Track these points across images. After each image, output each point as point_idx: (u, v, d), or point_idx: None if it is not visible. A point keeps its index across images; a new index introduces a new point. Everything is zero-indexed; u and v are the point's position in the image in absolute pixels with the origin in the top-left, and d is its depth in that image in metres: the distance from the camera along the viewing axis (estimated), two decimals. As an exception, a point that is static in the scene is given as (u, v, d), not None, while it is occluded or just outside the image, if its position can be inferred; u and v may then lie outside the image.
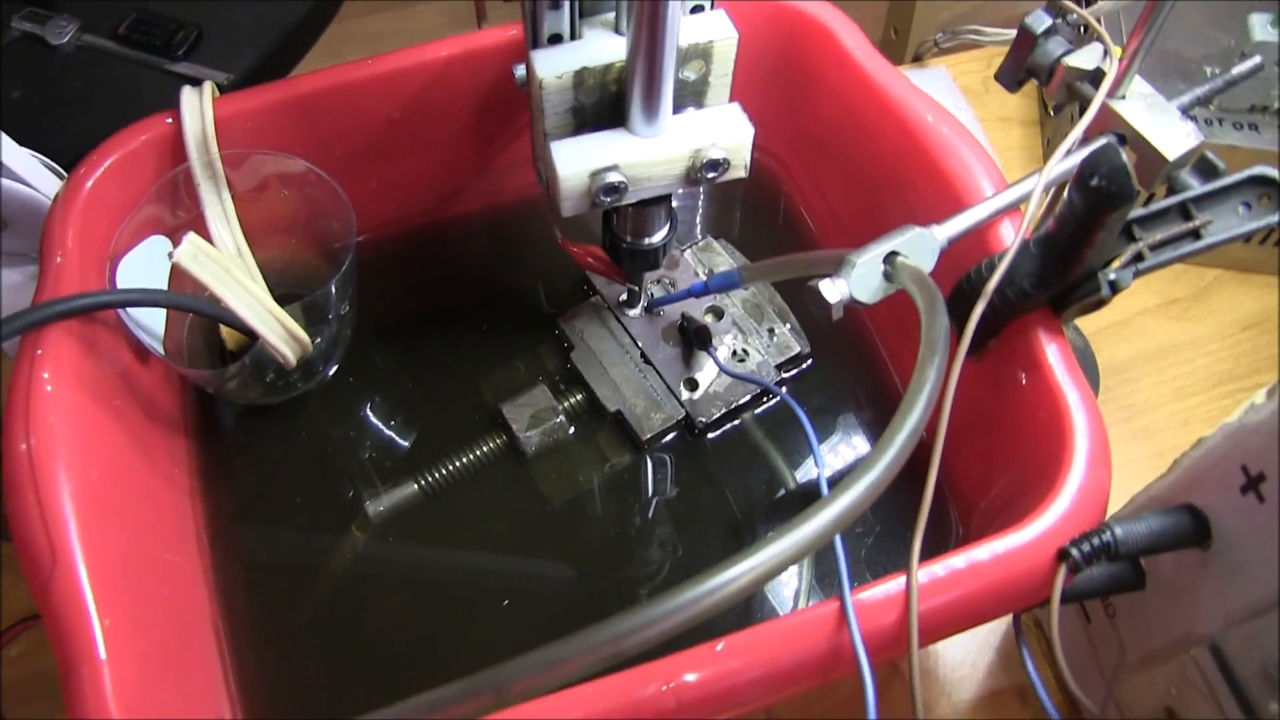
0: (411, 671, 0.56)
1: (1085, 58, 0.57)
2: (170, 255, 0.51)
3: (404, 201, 0.69)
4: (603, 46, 0.50)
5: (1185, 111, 0.56)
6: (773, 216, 0.74)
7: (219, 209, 0.61)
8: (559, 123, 0.52)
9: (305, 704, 0.56)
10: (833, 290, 0.49)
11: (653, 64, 0.47)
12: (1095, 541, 0.45)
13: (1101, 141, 0.51)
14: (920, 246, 0.50)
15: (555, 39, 0.51)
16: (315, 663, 0.57)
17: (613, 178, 0.50)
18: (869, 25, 0.85)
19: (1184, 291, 0.77)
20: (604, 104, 0.51)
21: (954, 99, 0.84)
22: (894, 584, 0.44)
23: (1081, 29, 0.62)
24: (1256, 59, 0.59)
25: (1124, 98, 0.55)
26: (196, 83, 0.63)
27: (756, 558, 0.33)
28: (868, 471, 0.36)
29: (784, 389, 0.64)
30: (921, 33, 0.90)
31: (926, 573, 0.45)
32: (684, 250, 0.69)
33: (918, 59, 0.88)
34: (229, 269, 0.53)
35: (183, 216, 0.60)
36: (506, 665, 0.31)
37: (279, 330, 0.54)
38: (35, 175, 0.62)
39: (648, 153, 0.51)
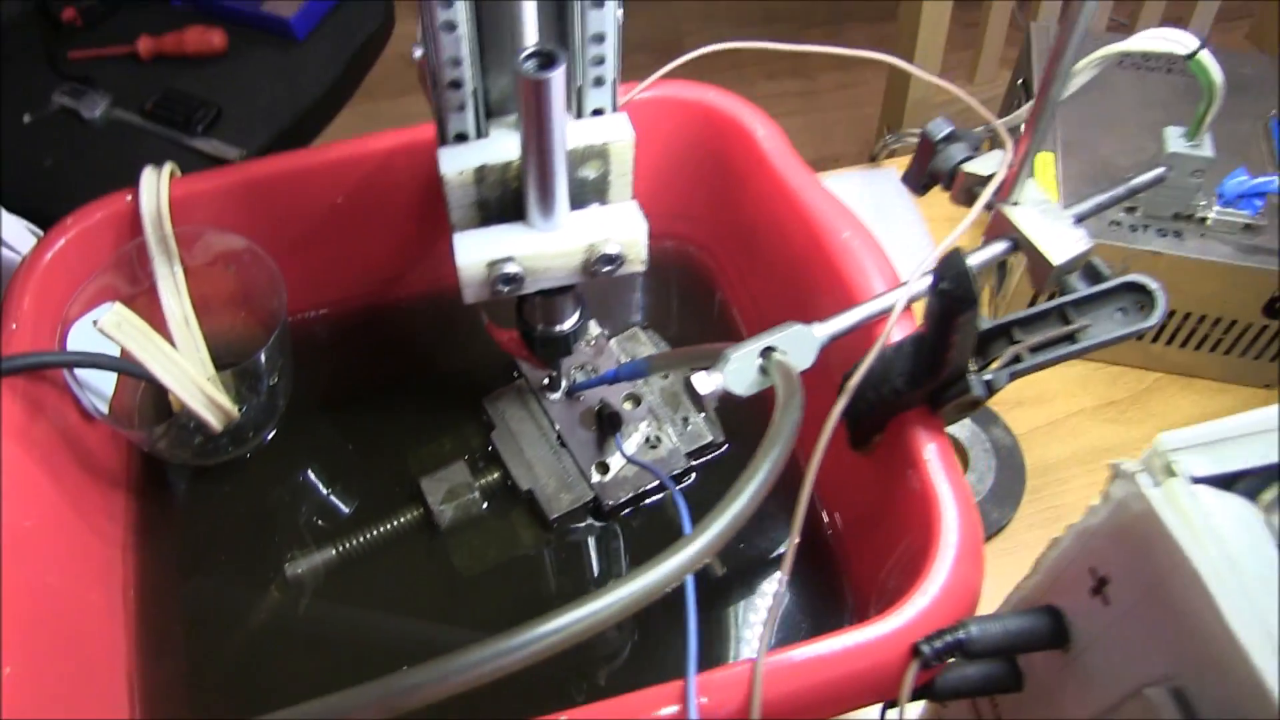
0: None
1: (984, 164, 0.59)
2: (95, 323, 0.55)
3: (348, 282, 0.73)
4: (504, 145, 0.53)
5: (1081, 218, 0.58)
6: (707, 309, 0.76)
7: (170, 281, 0.64)
8: (463, 215, 0.54)
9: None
10: (706, 383, 0.51)
11: (543, 163, 0.50)
12: (949, 639, 0.46)
13: (954, 245, 0.53)
14: (799, 343, 0.52)
15: (461, 137, 0.54)
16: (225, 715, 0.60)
17: (510, 269, 0.53)
18: (862, 127, 0.88)
19: (1122, 394, 0.77)
20: (506, 199, 0.54)
21: (902, 198, 0.86)
22: (739, 669, 0.45)
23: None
24: (1159, 170, 0.60)
25: (1016, 204, 0.57)
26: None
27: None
28: (660, 560, 0.37)
29: (693, 476, 0.66)
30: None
31: (775, 660, 0.46)
32: (611, 339, 0.71)
33: (872, 159, 0.91)
34: (151, 337, 0.56)
35: (137, 287, 0.64)
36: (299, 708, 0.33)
37: (199, 397, 0.57)
38: (24, 244, 0.67)
39: (544, 246, 0.53)
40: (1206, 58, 0.56)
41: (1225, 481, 0.40)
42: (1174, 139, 0.65)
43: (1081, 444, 0.75)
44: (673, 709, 0.44)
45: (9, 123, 1.15)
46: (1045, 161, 0.75)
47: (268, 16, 1.24)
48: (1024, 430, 0.75)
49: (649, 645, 0.61)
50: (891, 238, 0.85)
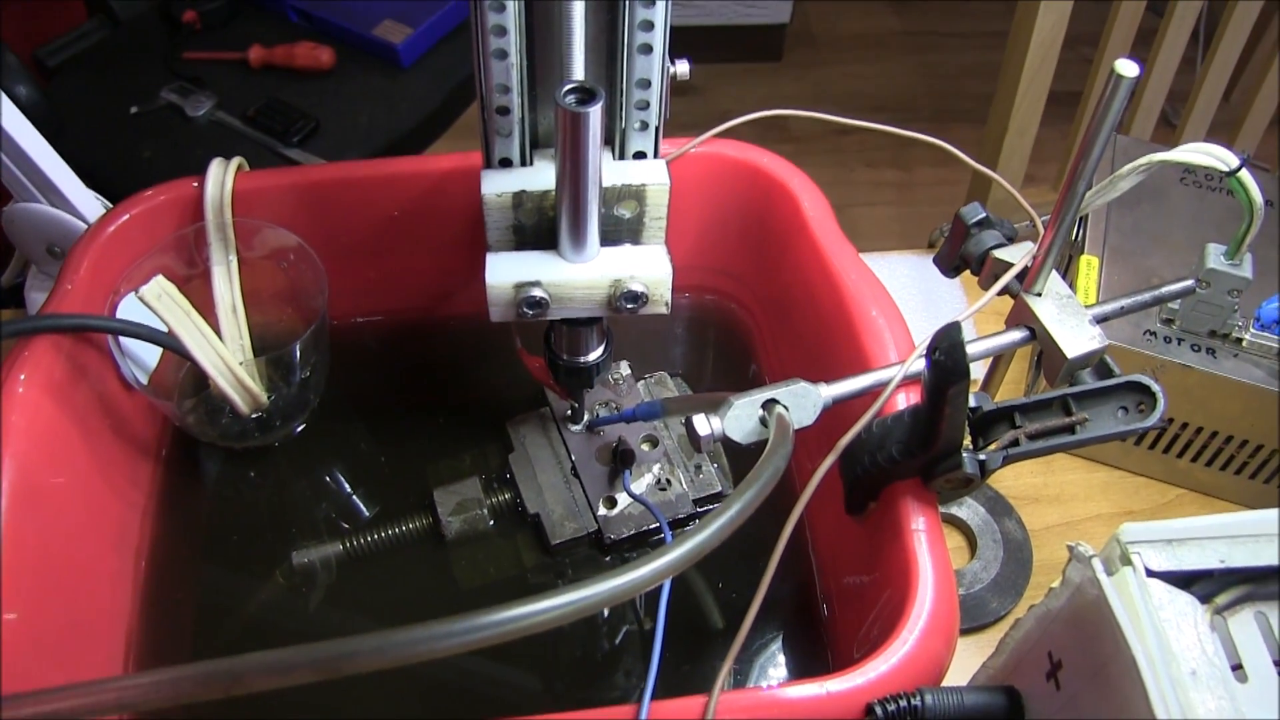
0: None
1: (1014, 253, 0.60)
2: (137, 292, 0.58)
3: (395, 294, 0.76)
4: (546, 175, 0.56)
5: (1101, 319, 0.59)
6: (742, 368, 0.78)
7: (225, 269, 0.68)
8: (500, 238, 0.57)
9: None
10: (705, 425, 0.52)
11: (576, 194, 0.52)
12: (903, 704, 0.47)
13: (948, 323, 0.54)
14: (802, 400, 0.53)
15: (505, 162, 0.57)
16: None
17: (536, 293, 0.55)
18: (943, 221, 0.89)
19: (1142, 505, 0.77)
20: (542, 227, 0.57)
21: (950, 286, 0.87)
22: (693, 701, 0.47)
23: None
24: (1188, 282, 0.61)
25: (1039, 294, 0.58)
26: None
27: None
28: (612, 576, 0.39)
29: (696, 523, 0.67)
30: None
31: (730, 698, 0.47)
32: (639, 381, 0.73)
33: (930, 245, 0.92)
34: (190, 314, 0.59)
35: (192, 270, 0.68)
36: (242, 658, 0.35)
37: (229, 376, 0.60)
38: (93, 216, 0.71)
39: (571, 275, 0.56)
40: (1246, 177, 0.57)
41: (1183, 580, 0.41)
42: (1214, 255, 0.66)
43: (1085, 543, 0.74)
44: (622, 731, 0.46)
45: (117, 111, 1.22)
46: (1089, 264, 0.76)
47: (377, 40, 1.30)
48: (1037, 527, 0.75)
49: (576, 660, 0.63)
50: (935, 320, 0.86)
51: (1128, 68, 0.46)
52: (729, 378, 0.79)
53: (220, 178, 0.67)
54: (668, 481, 0.67)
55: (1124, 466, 0.78)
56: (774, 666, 0.63)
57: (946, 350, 0.46)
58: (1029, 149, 1.31)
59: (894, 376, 0.55)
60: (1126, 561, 0.40)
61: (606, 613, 0.64)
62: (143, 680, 0.34)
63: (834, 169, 2.24)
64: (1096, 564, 0.41)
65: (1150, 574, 0.40)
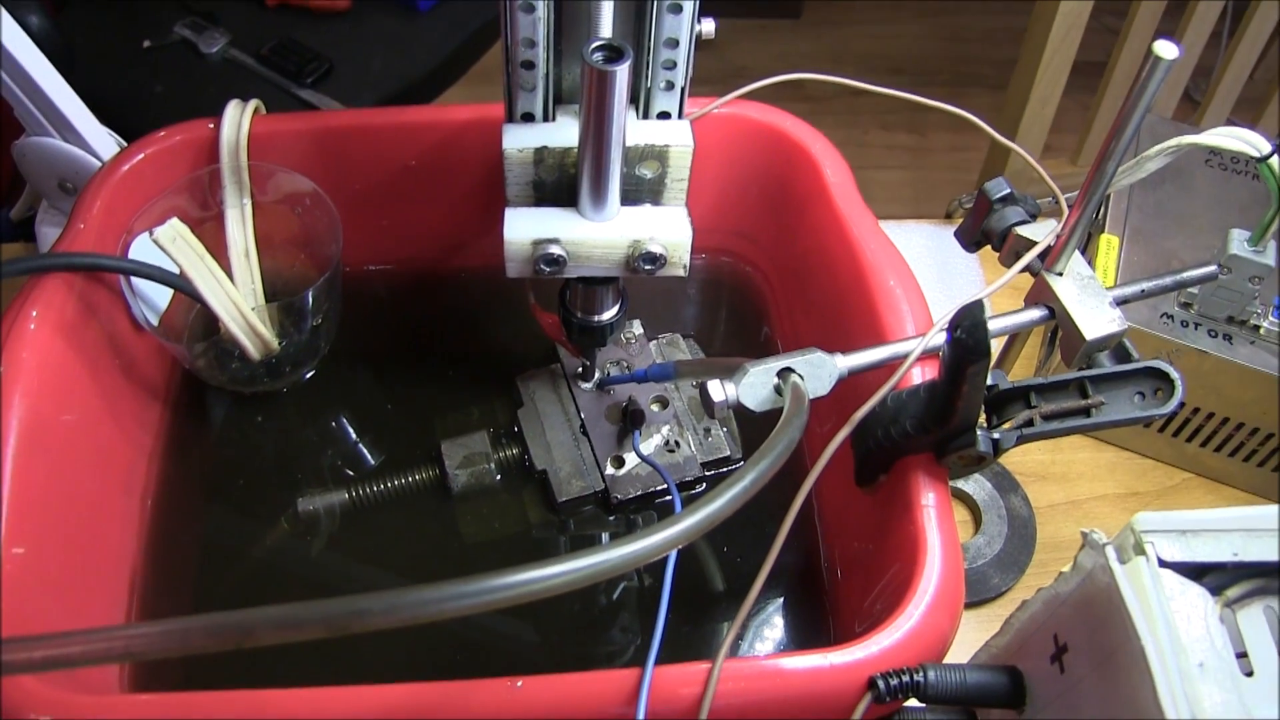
0: (294, 668, 0.60)
1: (1037, 230, 0.59)
2: (151, 234, 0.58)
3: (410, 243, 0.75)
4: (568, 132, 0.55)
5: (1122, 301, 0.58)
6: (754, 333, 0.77)
7: (238, 212, 0.67)
8: (519, 193, 0.57)
9: (190, 677, 0.60)
10: (719, 390, 0.52)
11: (598, 153, 0.52)
12: (905, 678, 0.47)
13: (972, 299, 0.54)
14: (818, 369, 0.53)
15: (528, 117, 0.56)
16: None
17: (553, 250, 0.55)
18: (965, 189, 0.88)
19: (1148, 487, 0.77)
20: (562, 184, 0.56)
21: (967, 259, 0.87)
22: (697, 667, 0.47)
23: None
24: (1210, 268, 0.60)
25: (1060, 274, 0.57)
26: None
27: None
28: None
29: (703, 486, 0.67)
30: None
31: (733, 666, 0.47)
32: (651, 341, 0.72)
33: (947, 216, 0.91)
34: (203, 258, 0.59)
35: (206, 212, 0.67)
36: (251, 612, 0.35)
37: (240, 321, 0.60)
38: (108, 154, 0.70)
39: (590, 234, 0.55)
40: (1277, 163, 0.56)
41: (1195, 571, 0.41)
42: (1237, 241, 0.65)
43: (1097, 528, 0.74)
44: (625, 694, 0.46)
45: (129, 46, 1.20)
46: (1109, 243, 0.75)
47: (394, -17, 1.28)
48: (1043, 504, 0.75)
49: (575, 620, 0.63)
50: (950, 294, 0.85)
51: (1167, 49, 0.45)
52: (741, 342, 0.78)
53: (237, 120, 0.66)
54: (676, 444, 0.67)
55: (1132, 448, 0.78)
56: (773, 633, 0.63)
57: (968, 329, 0.46)
58: (1050, 119, 1.29)
59: (912, 351, 0.54)
60: (1140, 551, 0.40)
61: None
62: (151, 630, 0.34)
63: (848, 130, 2.21)
64: (1110, 552, 0.41)
65: (1163, 564, 0.40)
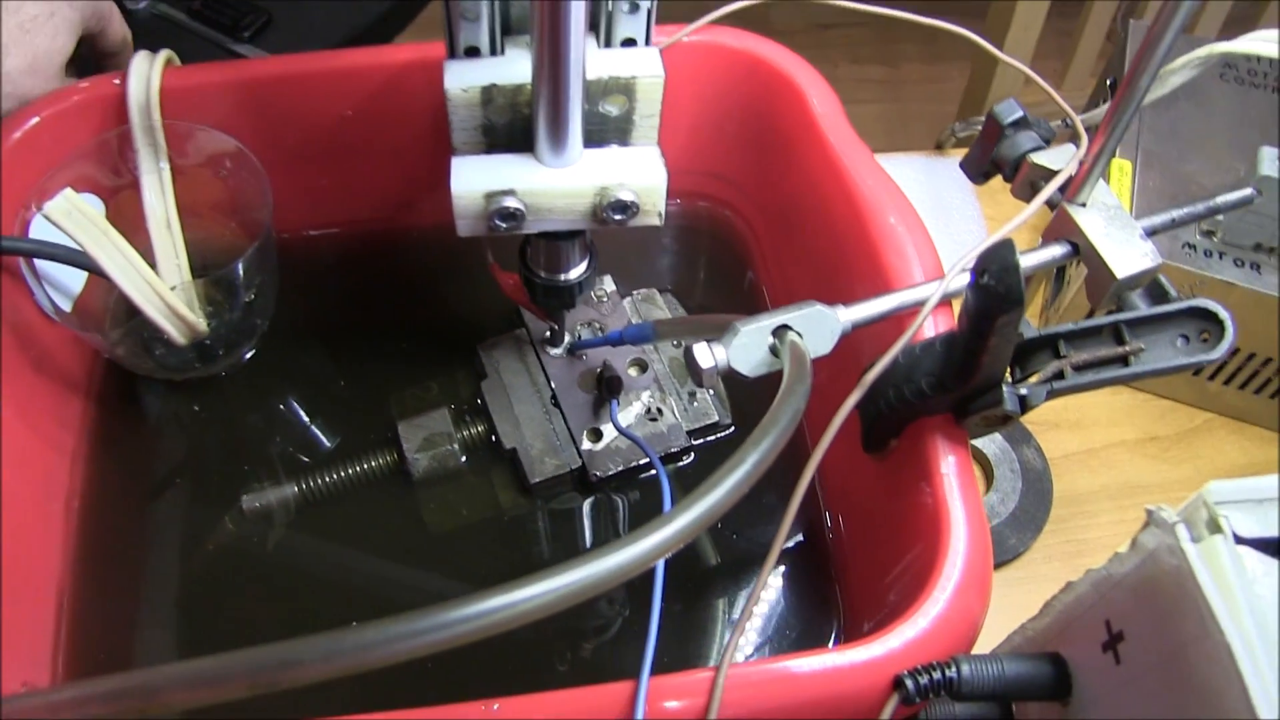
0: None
1: (1054, 157, 0.53)
2: (40, 208, 0.50)
3: (351, 203, 0.68)
4: (519, 66, 0.48)
5: (1153, 232, 0.52)
6: (737, 282, 0.71)
7: (155, 178, 0.60)
8: (466, 139, 0.49)
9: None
10: (707, 355, 0.45)
11: (556, 90, 0.45)
12: (936, 676, 0.41)
13: (998, 238, 0.47)
14: (818, 325, 0.47)
15: (472, 51, 0.49)
16: (151, 653, 0.55)
17: (510, 203, 0.48)
18: (940, 122, 0.82)
19: (1167, 430, 0.71)
20: (515, 127, 0.49)
21: (963, 192, 0.80)
22: (698, 677, 0.41)
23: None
24: (1247, 191, 0.54)
25: (1084, 205, 0.51)
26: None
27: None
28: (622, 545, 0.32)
29: (691, 456, 0.61)
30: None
31: (740, 672, 0.41)
32: (625, 299, 0.66)
33: (938, 147, 0.85)
34: (108, 233, 0.52)
35: (119, 180, 0.60)
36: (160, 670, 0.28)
37: (157, 303, 0.53)
38: None
39: (551, 182, 0.48)
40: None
41: (1275, 547, 0.35)
42: (1269, 161, 0.59)
43: (1116, 478, 0.69)
44: (618, 713, 0.40)
45: (47, 3, 1.11)
46: (1121, 170, 0.69)
47: (333, -75, 1.18)
48: (1056, 455, 0.69)
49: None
50: (947, 232, 0.79)
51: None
52: (724, 295, 0.71)
53: (145, 74, 0.59)
54: (659, 411, 0.61)
55: (1149, 389, 0.72)
56: (773, 622, 0.57)
57: (997, 273, 0.39)
58: (1034, 44, 1.23)
59: (928, 298, 0.48)
60: (1216, 528, 0.34)
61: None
62: (33, 702, 0.28)
63: (817, 64, 2.12)
64: (1181, 531, 0.35)
65: (1238, 540, 0.34)
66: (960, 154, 0.85)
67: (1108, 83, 0.80)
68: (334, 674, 0.28)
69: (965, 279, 0.47)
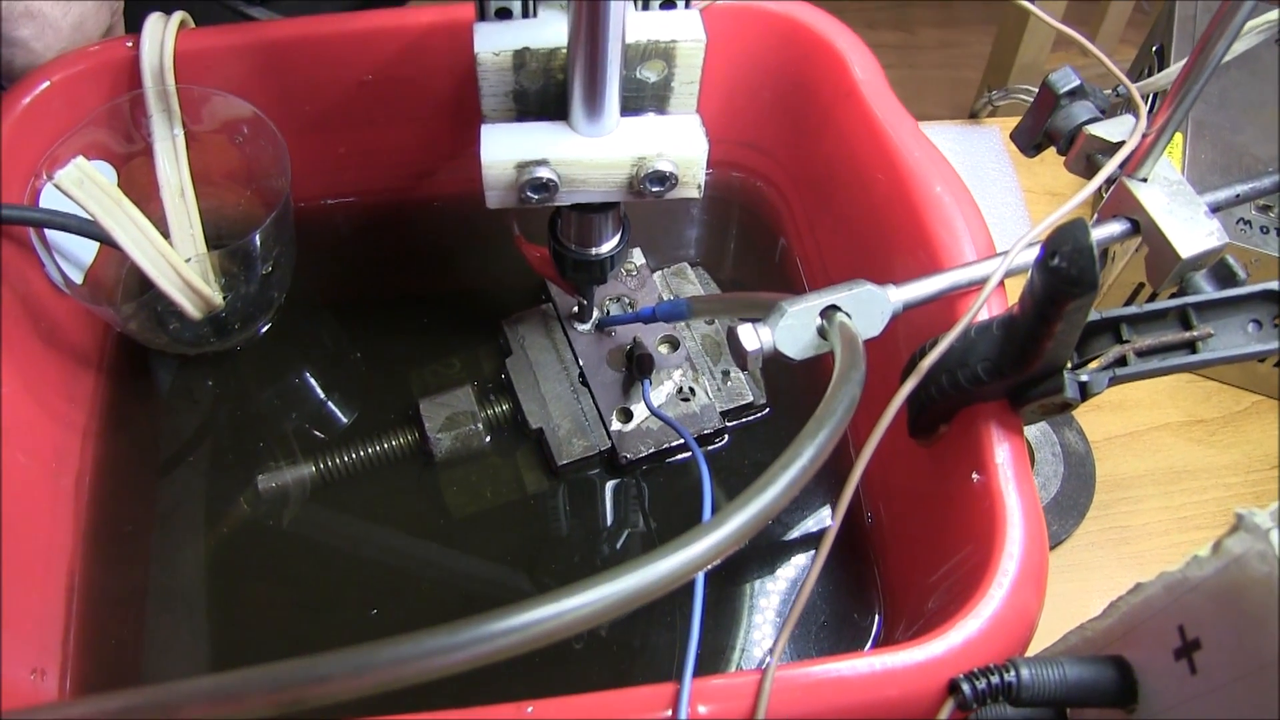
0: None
1: (1112, 129, 0.50)
2: (51, 177, 0.48)
3: (371, 171, 0.65)
4: (553, 29, 0.45)
5: (1217, 208, 0.49)
6: (768, 255, 0.68)
7: (169, 144, 0.57)
8: (497, 105, 0.47)
9: (141, 680, 0.52)
10: (752, 337, 0.43)
11: (593, 54, 0.42)
12: (994, 680, 0.39)
13: (1071, 218, 0.45)
14: (868, 306, 0.44)
15: (503, 13, 0.46)
16: (164, 638, 0.53)
17: (542, 173, 0.45)
18: (958, 90, 0.79)
19: (1214, 413, 0.69)
20: (548, 93, 0.47)
21: (999, 163, 0.77)
22: (744, 680, 0.38)
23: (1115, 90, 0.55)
24: (1316, 164, 0.52)
25: (1145, 180, 0.48)
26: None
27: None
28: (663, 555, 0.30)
29: (725, 438, 0.58)
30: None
31: (787, 675, 0.39)
32: (655, 272, 0.63)
33: (973, 115, 0.82)
34: (121, 203, 0.49)
35: (131, 147, 0.57)
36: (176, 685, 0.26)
37: (172, 276, 0.50)
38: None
39: (586, 152, 0.46)
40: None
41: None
42: (1334, 130, 0.56)
43: (1161, 462, 0.67)
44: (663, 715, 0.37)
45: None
46: (1171, 143, 0.66)
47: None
48: (1099, 438, 0.66)
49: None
50: (984, 204, 0.76)
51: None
52: (754, 268, 0.69)
53: (159, 36, 0.56)
54: (691, 390, 0.58)
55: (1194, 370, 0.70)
56: (811, 617, 0.55)
57: (1070, 255, 0.37)
58: (1062, 10, 1.19)
59: (987, 277, 0.45)
60: (1313, 533, 0.32)
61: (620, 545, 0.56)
62: (43, 716, 0.25)
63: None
64: (1275, 538, 0.32)
65: (1337, 546, 0.32)
66: (995, 123, 0.83)
67: (1153, 49, 0.77)
68: (365, 691, 0.26)
69: (1029, 255, 0.45)
